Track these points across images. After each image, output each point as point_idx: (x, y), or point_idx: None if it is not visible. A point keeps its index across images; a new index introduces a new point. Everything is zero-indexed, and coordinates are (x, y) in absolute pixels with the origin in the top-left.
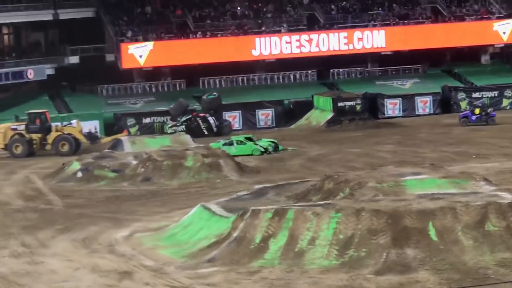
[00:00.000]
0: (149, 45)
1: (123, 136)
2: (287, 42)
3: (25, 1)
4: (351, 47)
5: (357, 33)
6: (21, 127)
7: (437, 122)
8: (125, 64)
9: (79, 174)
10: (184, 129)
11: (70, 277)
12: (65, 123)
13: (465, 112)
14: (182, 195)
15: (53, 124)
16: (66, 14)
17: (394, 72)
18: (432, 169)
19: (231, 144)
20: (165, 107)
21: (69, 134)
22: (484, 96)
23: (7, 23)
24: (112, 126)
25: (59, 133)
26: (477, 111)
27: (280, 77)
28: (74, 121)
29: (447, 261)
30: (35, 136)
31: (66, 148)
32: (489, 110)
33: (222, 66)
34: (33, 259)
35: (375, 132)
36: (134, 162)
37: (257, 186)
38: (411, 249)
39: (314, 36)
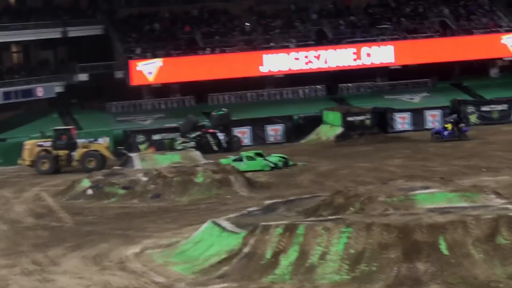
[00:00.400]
0: (158, 61)
1: (151, 153)
2: (295, 58)
3: (34, 19)
4: (359, 62)
5: (365, 48)
6: (47, 143)
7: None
8: (134, 81)
9: (89, 192)
10: (194, 145)
11: None
12: (91, 139)
13: (437, 128)
14: (192, 211)
15: (79, 141)
16: (75, 32)
17: (403, 86)
18: (442, 183)
19: (241, 160)
20: (174, 124)
21: (95, 150)
22: (493, 109)
23: (16, 41)
24: (122, 143)
25: (86, 149)
26: (449, 126)
27: (289, 92)
28: (101, 139)
29: (458, 275)
30: (62, 153)
31: (93, 164)
32: (461, 125)
33: (231, 82)
34: (44, 277)
35: (385, 146)
36: (144, 178)
37: (267, 202)
38: (422, 263)
39: (322, 51)
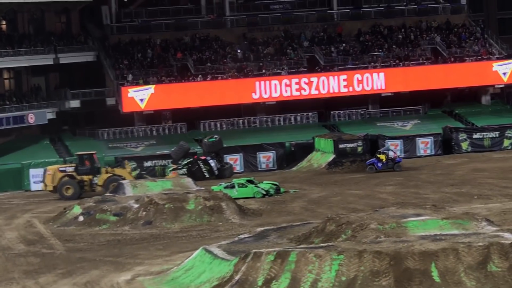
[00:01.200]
0: (150, 88)
1: (172, 177)
2: (287, 85)
3: (26, 46)
4: (351, 89)
5: (357, 75)
6: (70, 168)
7: (438, 163)
8: (126, 108)
9: (81, 218)
10: (186, 172)
11: None
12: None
13: (371, 159)
14: (184, 238)
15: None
16: (66, 59)
17: (394, 113)
18: (433, 210)
19: (232, 187)
20: (166, 151)
21: (119, 175)
22: (485, 136)
23: (8, 68)
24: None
25: (109, 174)
26: (382, 157)
27: (281, 119)
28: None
29: None
30: (86, 178)
31: None
32: (395, 156)
33: (223, 109)
34: None
35: (376, 173)
36: (136, 205)
37: (259, 229)
38: None
39: (314, 78)
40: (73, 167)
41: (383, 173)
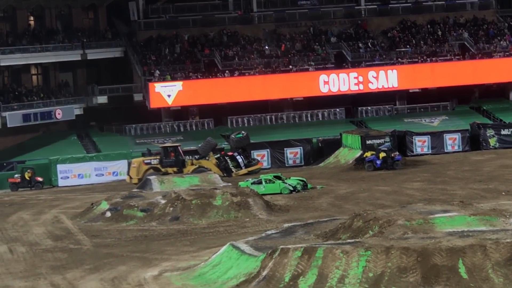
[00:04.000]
0: (177, 84)
1: (258, 168)
2: (314, 81)
3: (53, 42)
4: (379, 85)
5: (384, 71)
6: (155, 161)
7: (466, 159)
8: (153, 104)
9: (108, 214)
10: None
11: None
12: (196, 156)
13: (370, 156)
14: (211, 234)
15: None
16: (94, 54)
17: (422, 109)
18: (461, 206)
19: (259, 183)
20: (193, 146)
21: (204, 167)
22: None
23: (36, 64)
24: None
25: (195, 166)
26: (382, 155)
27: (308, 115)
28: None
29: None
30: (170, 170)
31: None
32: (394, 154)
33: (250, 105)
34: None
35: (404, 169)
36: (163, 201)
37: (286, 225)
38: (441, 287)
39: (342, 74)
40: (158, 160)
41: (411, 169)
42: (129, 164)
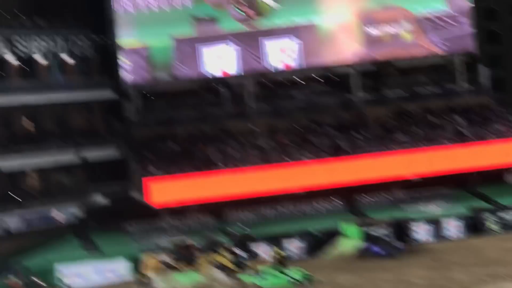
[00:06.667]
0: (175, 181)
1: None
2: (311, 172)
3: (49, 143)
4: (376, 173)
5: (381, 159)
6: (167, 258)
7: (467, 244)
8: (152, 201)
9: None
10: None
11: None
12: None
13: (367, 244)
14: None
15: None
16: (91, 154)
17: (420, 196)
18: None
19: (262, 276)
20: (195, 242)
21: (219, 263)
22: None
23: (33, 166)
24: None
25: (210, 261)
26: (379, 242)
27: (307, 206)
28: None
29: None
30: (186, 267)
31: None
32: (395, 243)
33: (249, 199)
34: None
35: (406, 257)
36: None
37: None
38: None
39: (338, 164)
40: (171, 256)
41: (412, 257)
42: (138, 262)
